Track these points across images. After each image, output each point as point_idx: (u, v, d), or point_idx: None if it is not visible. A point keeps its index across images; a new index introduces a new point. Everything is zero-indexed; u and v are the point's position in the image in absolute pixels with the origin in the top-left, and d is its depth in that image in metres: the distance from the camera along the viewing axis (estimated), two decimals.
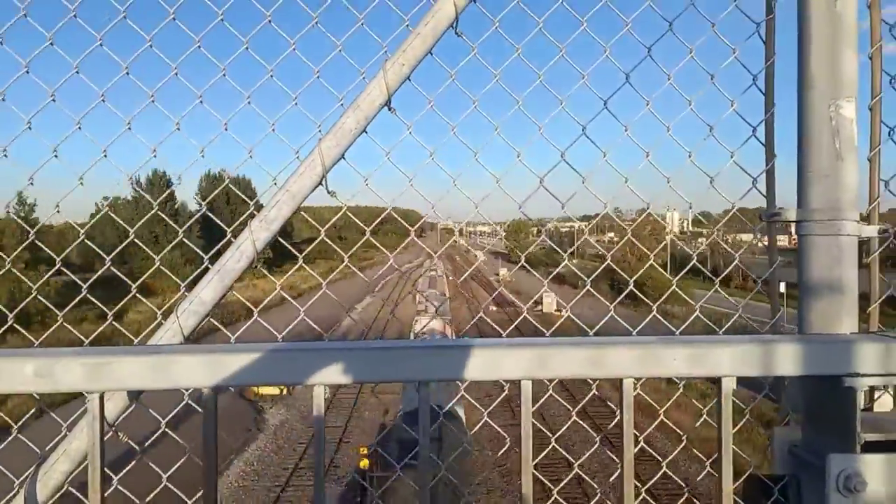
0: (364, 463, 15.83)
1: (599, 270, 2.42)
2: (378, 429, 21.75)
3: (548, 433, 2.21)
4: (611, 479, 2.52)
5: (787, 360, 1.13)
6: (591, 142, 1.90)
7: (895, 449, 1.13)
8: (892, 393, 1.38)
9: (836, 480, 1.07)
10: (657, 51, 1.85)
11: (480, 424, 2.59)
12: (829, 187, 1.39)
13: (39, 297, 1.98)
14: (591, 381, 1.33)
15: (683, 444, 2.33)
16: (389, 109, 1.74)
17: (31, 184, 1.85)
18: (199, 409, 1.14)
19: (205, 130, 1.93)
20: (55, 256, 1.90)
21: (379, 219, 2.26)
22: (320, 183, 1.72)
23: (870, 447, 1.13)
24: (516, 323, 2.37)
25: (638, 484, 1.31)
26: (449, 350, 1.09)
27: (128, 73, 1.81)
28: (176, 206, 52.87)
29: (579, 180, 1.93)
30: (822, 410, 1.26)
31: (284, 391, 28.10)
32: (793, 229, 1.47)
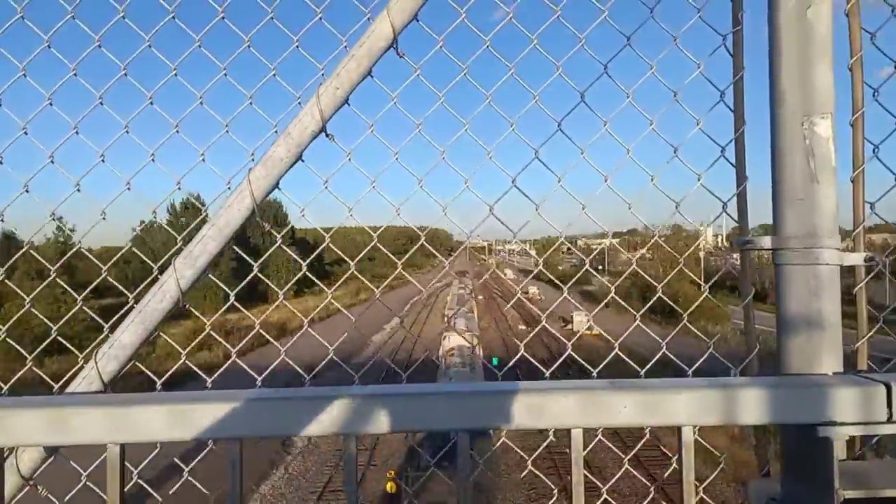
0: (391, 487, 15.75)
1: (621, 279, 2.32)
2: (406, 452, 21.60)
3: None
4: None
5: (752, 406, 1.04)
6: (634, 161, 1.80)
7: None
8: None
9: None
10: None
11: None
12: (804, 212, 1.29)
13: (49, 324, 1.98)
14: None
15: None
16: (327, 136, 1.65)
17: (56, 217, 1.86)
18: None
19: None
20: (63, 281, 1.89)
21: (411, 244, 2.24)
22: (252, 214, 1.63)
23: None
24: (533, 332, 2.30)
25: None
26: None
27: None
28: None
29: (610, 197, 1.85)
30: (799, 461, 1.15)
31: None
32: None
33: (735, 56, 1.58)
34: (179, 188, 1.85)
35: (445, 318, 36.81)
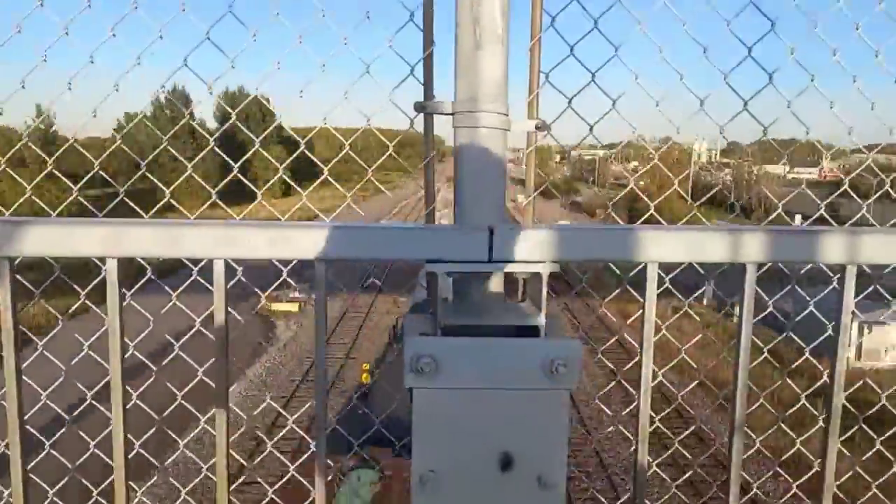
0: (365, 378, 16.58)
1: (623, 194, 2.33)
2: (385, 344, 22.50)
3: None
4: None
5: (381, 242, 1.17)
6: (622, 63, 1.76)
7: (476, 333, 1.15)
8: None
9: (409, 362, 1.08)
10: None
11: None
12: (470, 78, 1.29)
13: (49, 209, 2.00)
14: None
15: None
16: None
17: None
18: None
19: (229, 44, 1.84)
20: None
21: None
22: None
23: (450, 331, 1.16)
24: None
25: None
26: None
27: None
28: (194, 123, 52.60)
29: (605, 104, 1.82)
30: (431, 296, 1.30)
31: (299, 307, 28.85)
32: None
33: None
34: (139, 63, 1.81)
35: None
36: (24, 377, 1.18)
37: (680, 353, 2.29)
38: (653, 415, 1.33)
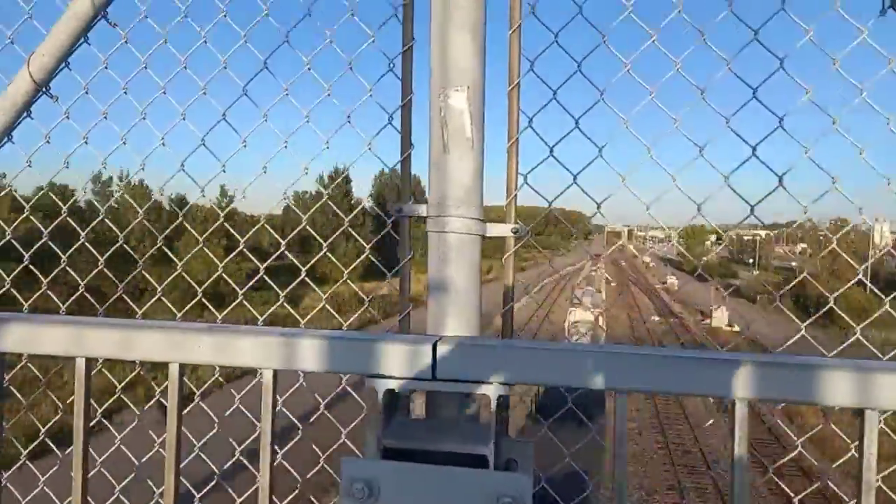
0: None
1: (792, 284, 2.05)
2: None
3: None
4: None
5: (312, 356, 1.14)
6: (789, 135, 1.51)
7: (412, 457, 1.10)
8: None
9: (346, 484, 1.06)
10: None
11: None
12: (438, 182, 1.29)
13: (227, 279, 2.18)
14: None
15: None
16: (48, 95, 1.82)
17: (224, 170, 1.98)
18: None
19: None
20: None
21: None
22: None
23: (391, 454, 1.11)
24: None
25: None
26: None
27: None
28: (352, 202, 56.96)
29: (769, 181, 1.57)
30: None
31: None
32: None
33: (405, 27, 1.52)
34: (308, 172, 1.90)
35: (574, 298, 37.41)
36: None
37: None
38: None
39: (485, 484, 1.06)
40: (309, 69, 1.63)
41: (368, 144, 1.59)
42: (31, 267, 2.23)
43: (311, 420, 2.26)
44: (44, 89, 1.84)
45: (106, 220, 2.10)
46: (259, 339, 1.12)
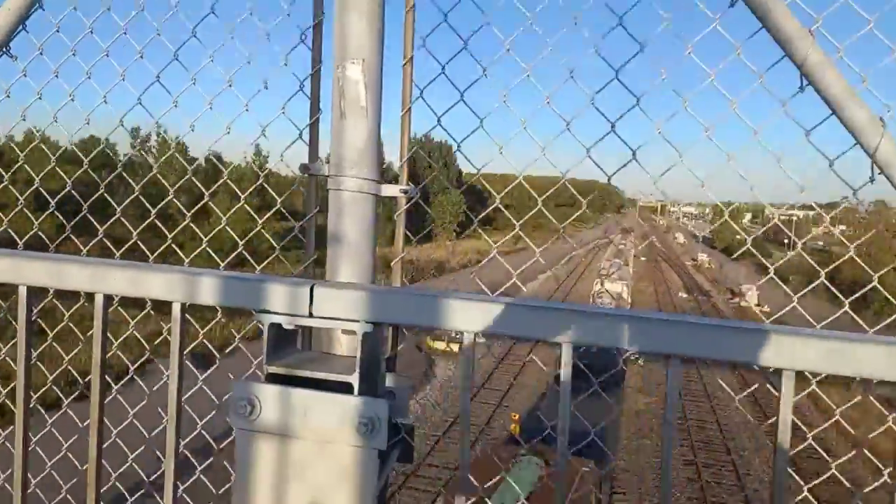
0: (515, 429, 16.31)
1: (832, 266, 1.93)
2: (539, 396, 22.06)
3: None
4: None
5: (220, 290, 1.32)
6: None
7: (297, 383, 1.26)
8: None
9: (233, 402, 1.24)
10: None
11: None
12: (336, 145, 1.45)
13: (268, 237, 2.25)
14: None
15: None
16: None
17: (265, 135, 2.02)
18: None
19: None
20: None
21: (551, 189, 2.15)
22: None
23: (274, 378, 1.27)
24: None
25: None
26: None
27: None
28: (384, 166, 57.08)
29: (817, 161, 1.54)
30: None
31: (455, 348, 29.44)
32: None
33: (315, 5, 1.66)
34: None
35: (601, 269, 37.53)
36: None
37: None
38: None
39: (347, 406, 1.23)
40: (232, 38, 1.78)
41: (283, 109, 1.74)
42: (73, 219, 2.28)
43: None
44: (3, 49, 1.99)
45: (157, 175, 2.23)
46: (166, 275, 1.30)
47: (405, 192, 1.51)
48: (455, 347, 29.43)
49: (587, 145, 1.58)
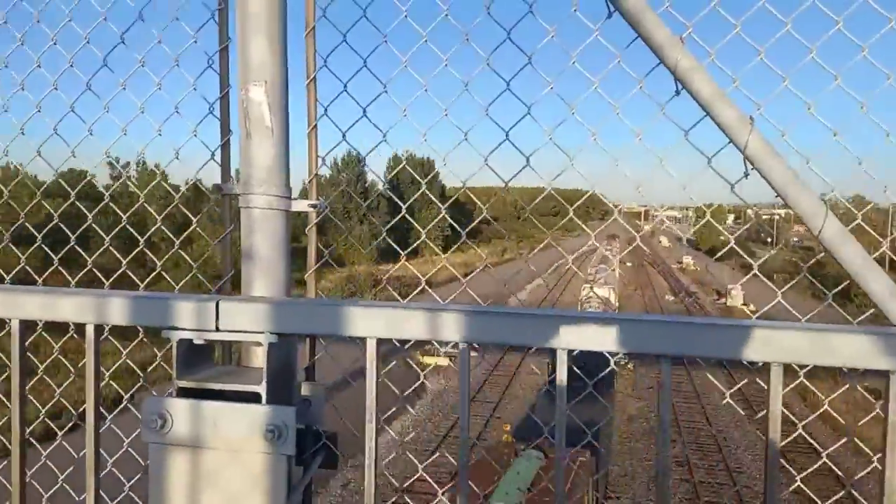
0: (507, 438, 16.40)
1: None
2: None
3: None
4: None
5: (129, 310, 1.35)
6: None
7: (209, 396, 1.30)
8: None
9: (145, 417, 1.28)
10: None
11: None
12: (244, 165, 1.50)
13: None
14: None
15: None
16: None
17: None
18: None
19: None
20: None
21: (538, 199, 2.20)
22: None
23: (184, 392, 1.31)
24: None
25: None
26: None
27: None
28: (366, 185, 57.13)
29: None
30: None
31: (448, 363, 29.39)
32: None
33: (220, 27, 1.73)
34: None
35: (587, 275, 38.18)
36: None
37: None
38: None
39: (254, 416, 1.27)
40: (143, 65, 1.83)
41: (194, 132, 1.80)
42: (50, 252, 2.28)
43: None
44: None
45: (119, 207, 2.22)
46: (77, 298, 1.34)
47: (314, 206, 1.56)
48: (444, 361, 29.38)
49: (570, 154, 1.57)
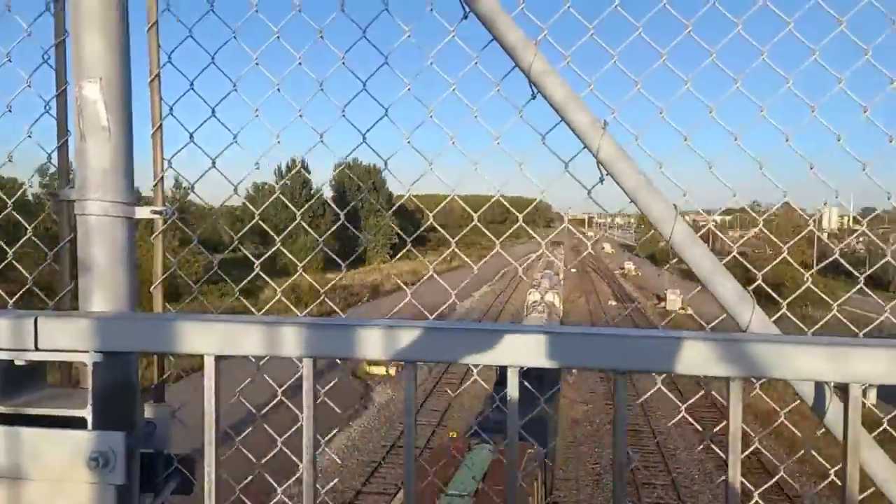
0: (453, 434, 17.05)
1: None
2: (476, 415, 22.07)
3: None
4: None
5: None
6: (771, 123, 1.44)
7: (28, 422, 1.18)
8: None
9: None
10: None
11: None
12: (80, 168, 1.39)
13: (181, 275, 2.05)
14: None
15: None
16: None
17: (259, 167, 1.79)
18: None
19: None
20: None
21: (485, 207, 2.14)
22: None
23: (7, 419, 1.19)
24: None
25: None
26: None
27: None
28: (311, 192, 56.32)
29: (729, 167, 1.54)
30: None
31: (392, 372, 29.13)
32: None
33: (56, 23, 1.61)
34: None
35: (533, 281, 39.21)
36: None
37: None
38: None
39: (78, 442, 1.17)
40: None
41: (28, 132, 1.68)
42: None
43: None
44: None
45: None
46: None
47: (159, 213, 1.47)
48: (392, 371, 29.08)
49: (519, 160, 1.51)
